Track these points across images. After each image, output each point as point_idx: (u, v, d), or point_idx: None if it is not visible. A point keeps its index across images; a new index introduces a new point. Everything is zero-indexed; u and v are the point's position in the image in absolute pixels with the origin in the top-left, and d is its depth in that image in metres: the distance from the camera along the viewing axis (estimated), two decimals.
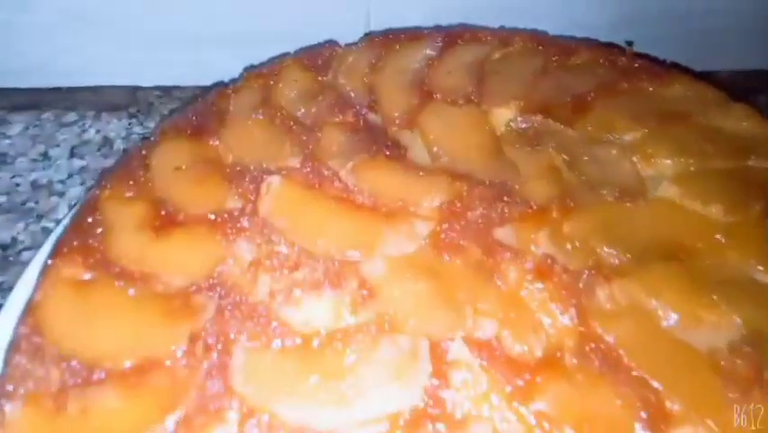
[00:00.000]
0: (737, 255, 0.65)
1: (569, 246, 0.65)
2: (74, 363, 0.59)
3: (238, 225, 0.70)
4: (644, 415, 0.53)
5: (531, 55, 0.92)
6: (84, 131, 1.09)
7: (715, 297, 0.61)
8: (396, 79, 0.88)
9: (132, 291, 0.65)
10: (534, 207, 0.69)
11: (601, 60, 0.90)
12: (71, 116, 1.11)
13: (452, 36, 0.95)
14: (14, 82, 1.14)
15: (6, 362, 0.61)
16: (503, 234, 0.67)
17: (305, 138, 0.79)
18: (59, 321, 0.63)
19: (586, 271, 0.63)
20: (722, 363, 0.57)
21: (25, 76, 1.13)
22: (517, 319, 0.60)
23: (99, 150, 1.06)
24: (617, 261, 0.65)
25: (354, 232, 0.69)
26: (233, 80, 0.91)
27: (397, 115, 0.83)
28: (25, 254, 0.91)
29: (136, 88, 1.16)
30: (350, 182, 0.73)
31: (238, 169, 0.76)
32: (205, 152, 0.79)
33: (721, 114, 0.81)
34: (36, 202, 0.98)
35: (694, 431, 0.53)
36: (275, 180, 0.73)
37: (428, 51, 0.92)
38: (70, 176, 1.02)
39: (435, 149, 0.77)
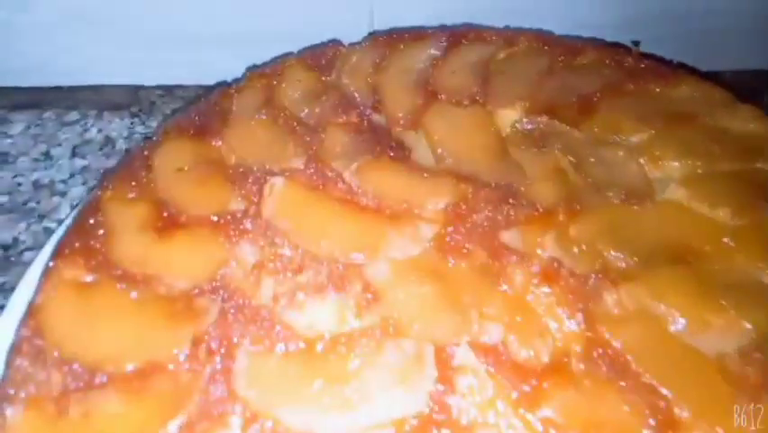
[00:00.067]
0: (745, 259, 0.64)
1: (575, 250, 0.65)
2: (76, 366, 0.59)
3: (241, 226, 0.69)
4: (652, 422, 0.53)
5: (536, 55, 0.91)
6: (86, 130, 1.08)
7: (723, 301, 0.60)
8: (400, 79, 0.87)
9: (134, 294, 0.64)
10: (541, 210, 0.68)
11: (607, 61, 0.89)
12: (73, 116, 1.11)
13: (457, 36, 0.94)
14: (16, 81, 1.13)
15: (8, 365, 0.61)
16: (509, 237, 0.66)
17: (308, 139, 0.79)
18: (61, 324, 0.62)
19: (593, 275, 0.63)
20: (731, 368, 0.56)
21: (27, 75, 1.13)
22: (524, 324, 0.60)
23: (101, 149, 1.05)
24: (624, 264, 0.64)
25: (358, 234, 0.68)
26: (236, 80, 0.90)
27: (401, 115, 0.82)
28: (27, 255, 0.90)
29: (138, 88, 1.16)
30: (354, 184, 0.73)
31: (241, 170, 0.75)
32: (208, 152, 0.79)
33: (728, 115, 0.80)
34: (38, 202, 0.97)
35: None
36: (278, 182, 0.73)
37: (432, 51, 0.91)
38: (72, 176, 1.01)
39: (440, 150, 0.77)
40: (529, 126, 0.80)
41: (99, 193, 0.74)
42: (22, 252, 0.91)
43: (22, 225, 0.94)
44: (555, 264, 0.63)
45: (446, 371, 0.57)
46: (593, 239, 0.66)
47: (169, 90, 1.15)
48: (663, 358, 0.57)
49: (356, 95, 0.86)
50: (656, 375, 0.56)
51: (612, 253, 0.65)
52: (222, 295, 0.63)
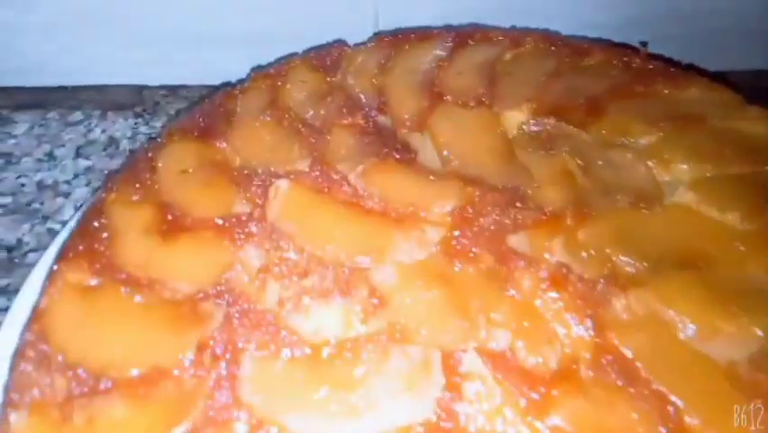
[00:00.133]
0: (756, 264, 0.64)
1: (584, 254, 0.64)
2: (80, 371, 0.58)
3: (246, 230, 0.69)
4: (662, 430, 0.52)
5: (543, 56, 0.90)
6: (89, 130, 1.08)
7: (734, 307, 0.59)
8: (405, 80, 0.86)
9: (138, 298, 0.64)
10: (548, 214, 0.68)
11: (615, 62, 0.88)
12: (77, 116, 1.10)
13: (463, 36, 0.93)
14: (19, 81, 1.13)
15: (12, 369, 0.60)
16: (516, 241, 0.65)
17: (313, 141, 0.78)
18: (65, 328, 0.62)
19: (601, 281, 0.62)
20: (742, 376, 0.55)
21: (30, 74, 1.12)
22: (532, 330, 0.59)
23: (105, 150, 1.05)
24: (633, 269, 0.63)
25: (364, 237, 0.68)
26: (240, 81, 0.90)
27: (406, 117, 0.81)
28: (31, 256, 0.90)
29: (142, 87, 1.15)
30: (359, 186, 0.72)
31: (245, 172, 0.75)
32: (213, 154, 0.78)
33: (738, 117, 0.79)
34: (41, 203, 0.97)
35: None
36: (283, 184, 0.72)
37: (438, 52, 0.90)
38: (76, 176, 1.01)
39: (446, 152, 0.76)
40: (536, 128, 0.79)
41: (103, 195, 0.74)
42: (25, 253, 0.90)
43: (26, 227, 0.94)
44: (563, 269, 0.63)
45: (453, 377, 0.56)
46: (602, 244, 0.65)
47: (173, 90, 1.15)
48: (673, 365, 0.56)
49: (361, 96, 0.85)
50: (666, 383, 0.55)
51: (621, 257, 0.64)
52: (227, 299, 0.63)
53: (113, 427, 0.56)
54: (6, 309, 0.72)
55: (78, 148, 1.05)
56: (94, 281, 0.66)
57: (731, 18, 1.12)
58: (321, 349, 0.59)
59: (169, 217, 0.71)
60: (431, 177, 0.73)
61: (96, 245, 0.68)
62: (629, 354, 0.57)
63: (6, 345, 0.64)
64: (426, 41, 0.93)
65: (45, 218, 0.95)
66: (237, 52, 1.04)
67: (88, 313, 0.63)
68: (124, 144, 1.06)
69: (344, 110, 0.82)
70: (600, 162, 0.75)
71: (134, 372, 0.58)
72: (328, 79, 0.88)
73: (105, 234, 0.70)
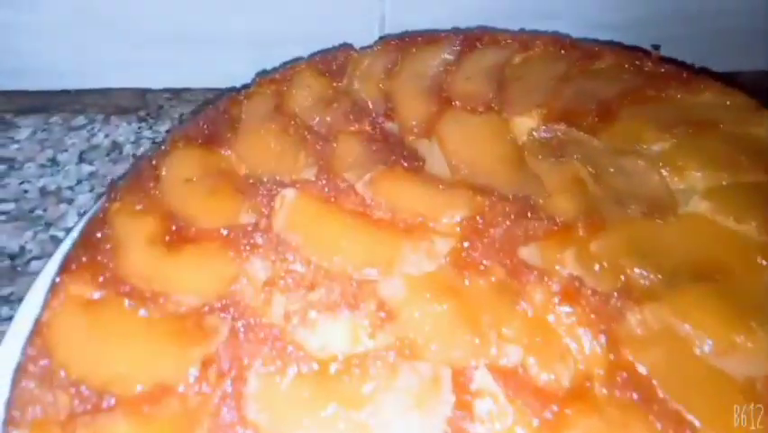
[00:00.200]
0: None
1: (596, 267, 0.63)
2: (83, 388, 0.57)
3: (252, 241, 0.67)
4: None
5: (553, 59, 0.88)
6: (93, 135, 1.07)
7: (752, 322, 0.58)
8: (413, 85, 0.85)
9: (142, 312, 0.62)
10: (560, 224, 0.66)
11: (626, 65, 0.87)
12: (80, 120, 1.09)
13: (471, 39, 0.91)
14: (22, 84, 1.12)
15: (13, 385, 0.59)
16: (527, 253, 0.64)
17: (319, 148, 0.77)
18: (68, 343, 0.61)
19: (615, 294, 0.60)
20: (761, 394, 0.54)
21: (32, 78, 1.11)
22: (544, 346, 0.58)
23: (108, 155, 1.04)
24: (647, 282, 0.62)
25: (372, 249, 0.66)
26: (245, 86, 0.88)
27: (414, 123, 0.80)
28: (34, 264, 0.89)
29: (145, 91, 1.14)
30: (367, 196, 0.71)
31: (251, 181, 0.74)
32: (217, 162, 0.77)
33: (753, 122, 0.77)
34: (44, 210, 0.96)
35: None
36: (289, 194, 0.71)
37: (446, 56, 0.89)
38: (79, 182, 1.00)
39: (455, 160, 0.74)
40: (546, 135, 0.78)
41: (106, 205, 0.73)
42: (28, 261, 0.89)
43: (29, 234, 0.93)
44: (576, 283, 0.61)
45: (464, 395, 0.55)
46: (615, 255, 0.64)
47: (176, 93, 1.14)
48: (690, 383, 0.55)
49: (368, 102, 0.84)
50: (683, 401, 0.54)
51: (635, 270, 0.62)
52: (232, 313, 0.62)
53: None
54: (10, 319, 0.71)
55: (82, 153, 1.04)
56: (97, 294, 0.64)
57: (740, 18, 1.11)
58: (328, 365, 0.58)
59: (174, 228, 0.69)
60: (440, 186, 0.71)
61: (99, 257, 0.67)
62: (644, 370, 0.56)
63: (9, 359, 0.63)
64: (434, 44, 0.91)
65: (48, 225, 0.94)
66: (242, 55, 1.03)
67: (91, 327, 0.62)
68: (128, 149, 1.05)
69: (351, 116, 0.81)
70: (612, 170, 0.73)
71: (138, 388, 0.57)
72: (334, 84, 0.87)
73: (108, 245, 0.68)
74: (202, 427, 0.55)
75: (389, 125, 0.81)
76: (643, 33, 1.02)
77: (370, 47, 0.92)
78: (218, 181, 0.74)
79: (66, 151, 1.04)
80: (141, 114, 1.11)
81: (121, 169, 1.01)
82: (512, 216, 0.67)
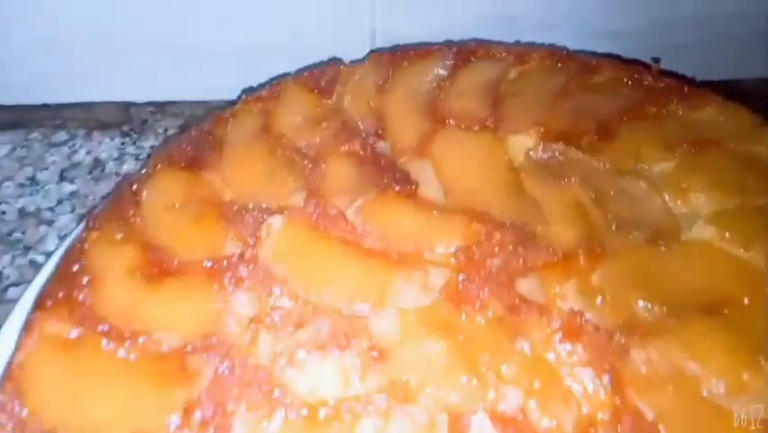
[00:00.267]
0: None
1: (599, 300, 0.60)
2: None
3: (236, 274, 0.64)
4: None
5: (550, 74, 0.85)
6: (74, 152, 1.03)
7: (762, 360, 0.55)
8: (405, 103, 0.81)
9: (121, 352, 0.59)
10: (560, 254, 0.63)
11: (625, 79, 0.84)
12: (61, 136, 1.05)
13: (465, 52, 0.88)
14: (0, 98, 1.08)
15: None
16: (526, 286, 0.61)
17: (308, 172, 0.74)
18: (41, 387, 0.58)
19: (618, 331, 0.57)
20: None
21: (10, 91, 1.07)
22: (544, 388, 0.55)
23: (90, 173, 1.00)
24: (651, 316, 0.59)
25: (363, 280, 0.63)
26: (231, 103, 0.85)
27: (407, 143, 0.77)
28: (12, 291, 0.85)
29: (129, 104, 1.10)
30: (357, 223, 0.68)
31: (236, 207, 0.70)
32: (201, 187, 0.73)
33: (756, 140, 0.75)
34: (23, 232, 0.92)
35: None
36: (276, 222, 0.68)
37: (439, 70, 0.85)
38: (60, 202, 0.96)
39: (449, 184, 0.71)
40: (544, 155, 0.75)
41: (84, 234, 0.69)
42: (6, 288, 0.86)
43: (7, 258, 0.89)
44: (578, 318, 0.58)
45: None
46: (618, 287, 0.61)
47: (161, 107, 1.10)
48: (699, 428, 0.52)
49: (358, 120, 0.80)
50: None
51: (639, 303, 0.59)
52: (216, 354, 0.59)
53: None
54: None
55: (62, 171, 1.00)
56: (74, 333, 0.61)
57: (741, 25, 1.08)
58: (318, 410, 0.55)
59: (155, 259, 0.66)
60: (433, 212, 0.68)
61: (75, 292, 0.64)
62: (650, 415, 0.53)
63: None
64: (426, 57, 0.87)
65: (27, 249, 0.90)
66: (228, 67, 1.00)
67: (67, 370, 0.59)
68: (111, 167, 1.01)
69: (341, 136, 0.77)
70: (613, 192, 0.70)
71: None
72: (323, 101, 0.83)
73: (85, 279, 0.65)
74: None
75: (381, 145, 0.78)
76: (643, 41, 0.99)
77: (360, 61, 0.89)
78: (202, 208, 0.71)
79: (46, 169, 1.00)
80: (125, 128, 1.07)
81: (103, 188, 0.97)
82: (509, 246, 0.64)
